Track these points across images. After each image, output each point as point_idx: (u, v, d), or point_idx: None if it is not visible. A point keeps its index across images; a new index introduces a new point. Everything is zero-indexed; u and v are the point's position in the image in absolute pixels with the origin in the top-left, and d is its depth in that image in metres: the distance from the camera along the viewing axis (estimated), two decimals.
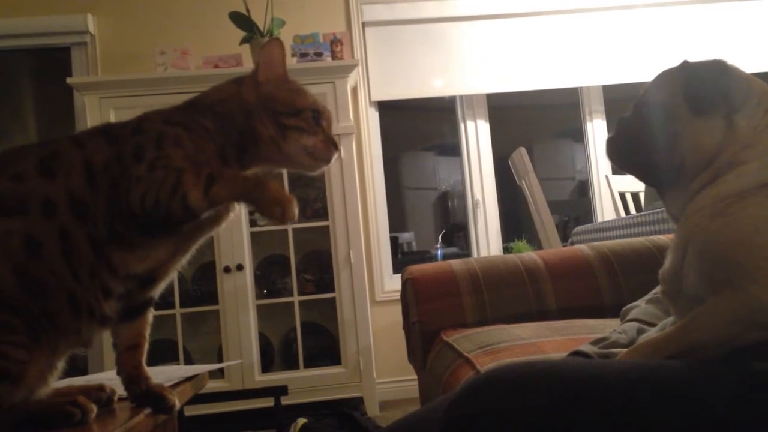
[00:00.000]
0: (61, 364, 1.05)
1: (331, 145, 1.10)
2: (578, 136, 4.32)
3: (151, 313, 1.12)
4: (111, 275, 0.99)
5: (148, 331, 1.12)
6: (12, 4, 3.62)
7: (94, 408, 0.98)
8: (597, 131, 4.15)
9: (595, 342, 1.28)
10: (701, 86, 1.02)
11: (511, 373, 0.81)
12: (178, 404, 1.09)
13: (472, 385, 0.81)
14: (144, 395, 1.08)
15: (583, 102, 4.19)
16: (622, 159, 1.17)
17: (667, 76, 1.09)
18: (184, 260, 1.10)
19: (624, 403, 0.76)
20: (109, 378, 1.42)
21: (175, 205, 0.94)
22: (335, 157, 1.11)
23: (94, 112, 3.20)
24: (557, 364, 0.86)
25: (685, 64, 1.07)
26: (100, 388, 1.11)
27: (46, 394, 1.02)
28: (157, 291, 1.11)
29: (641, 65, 3.95)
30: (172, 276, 1.11)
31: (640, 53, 3.96)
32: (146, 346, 1.11)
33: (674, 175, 1.04)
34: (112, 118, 3.21)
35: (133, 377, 1.08)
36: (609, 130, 4.16)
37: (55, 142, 1.03)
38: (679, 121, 1.02)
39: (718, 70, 1.03)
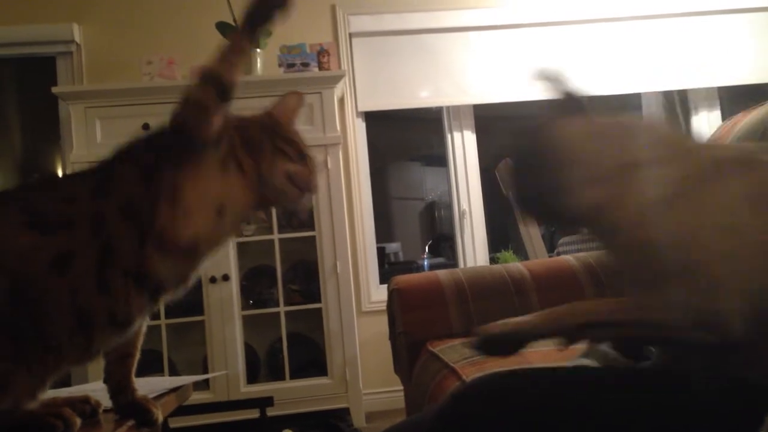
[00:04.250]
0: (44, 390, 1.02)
1: (311, 182, 1.12)
2: None
3: (146, 324, 1.12)
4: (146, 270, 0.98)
5: (140, 342, 1.12)
6: None
7: (78, 421, 0.97)
8: None
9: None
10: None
11: (493, 383, 0.82)
12: (161, 418, 1.09)
13: (456, 395, 0.81)
14: (129, 406, 1.08)
15: None
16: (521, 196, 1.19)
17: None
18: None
19: (602, 409, 0.77)
20: (93, 389, 1.40)
21: None
22: (313, 194, 1.14)
23: (80, 121, 3.19)
24: (539, 373, 0.87)
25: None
26: (85, 399, 1.10)
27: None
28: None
29: (627, 77, 3.99)
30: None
31: (625, 65, 3.99)
32: (137, 357, 1.11)
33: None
34: (98, 128, 3.20)
35: (120, 387, 1.08)
36: None
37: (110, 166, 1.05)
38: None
39: None
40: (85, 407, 1.08)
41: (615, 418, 0.76)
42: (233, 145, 1.05)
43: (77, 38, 3.65)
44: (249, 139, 1.08)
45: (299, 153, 1.12)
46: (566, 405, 0.77)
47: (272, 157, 1.09)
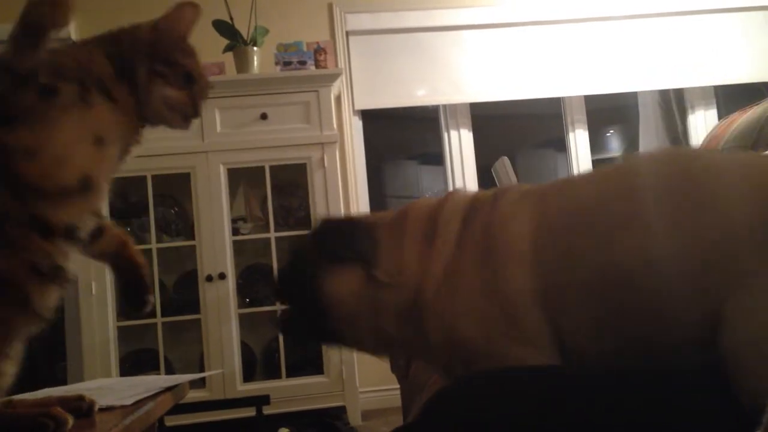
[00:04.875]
0: (19, 350, 0.98)
1: (192, 107, 1.11)
2: (561, 145, 4.35)
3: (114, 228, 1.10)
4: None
5: (128, 238, 1.11)
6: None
7: (70, 420, 0.95)
8: (579, 141, 4.18)
9: None
10: (333, 241, 1.13)
11: (479, 381, 0.83)
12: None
13: (441, 394, 0.82)
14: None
15: (566, 112, 4.22)
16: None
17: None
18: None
19: (597, 409, 0.77)
20: (88, 388, 1.40)
21: None
22: (192, 122, 1.13)
23: None
24: (526, 372, 0.88)
25: (323, 222, 1.23)
26: (80, 398, 1.09)
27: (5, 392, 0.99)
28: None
29: (623, 76, 3.99)
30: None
31: (622, 64, 4.00)
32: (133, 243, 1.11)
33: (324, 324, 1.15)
34: None
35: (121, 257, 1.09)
36: (591, 141, 4.20)
37: None
38: (315, 271, 1.12)
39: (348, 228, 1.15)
40: (81, 404, 1.07)
41: (607, 419, 0.77)
42: (96, 77, 1.02)
43: (73, 36, 3.63)
44: (122, 63, 1.06)
45: (185, 75, 1.10)
46: (557, 406, 0.78)
47: (148, 82, 1.07)
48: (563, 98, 4.16)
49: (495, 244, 0.99)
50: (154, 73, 1.08)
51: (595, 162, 4.25)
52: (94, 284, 3.10)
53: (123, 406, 1.16)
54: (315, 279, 1.10)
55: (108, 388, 1.36)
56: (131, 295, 1.09)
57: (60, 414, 0.94)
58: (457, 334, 0.99)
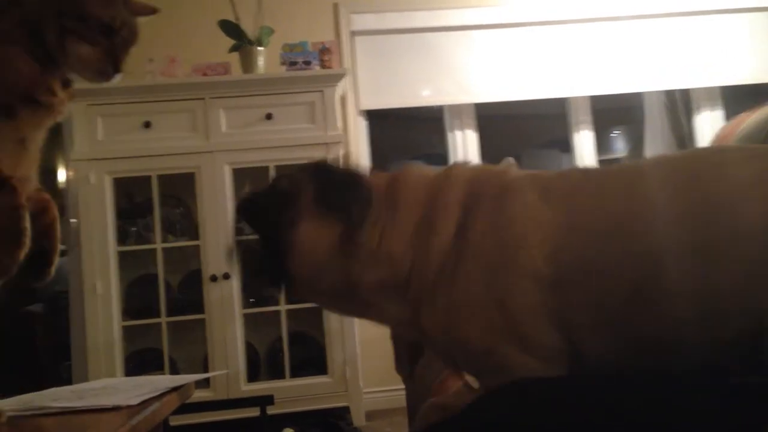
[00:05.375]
0: None
1: (110, 63, 1.07)
2: (565, 146, 4.34)
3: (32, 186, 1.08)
4: None
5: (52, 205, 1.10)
6: None
7: None
8: (584, 141, 4.17)
9: None
10: (332, 189, 1.08)
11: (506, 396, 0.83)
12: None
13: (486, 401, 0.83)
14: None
15: (571, 112, 4.21)
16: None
17: (302, 171, 1.15)
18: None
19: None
20: (94, 388, 1.40)
21: None
22: (113, 76, 1.09)
23: (81, 119, 3.17)
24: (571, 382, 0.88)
25: (323, 165, 1.15)
26: None
27: None
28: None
29: (628, 76, 3.98)
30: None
31: (628, 64, 3.99)
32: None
33: (287, 260, 1.09)
34: (99, 126, 3.19)
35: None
36: (597, 141, 4.18)
37: None
38: (300, 213, 1.08)
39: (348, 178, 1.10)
40: None
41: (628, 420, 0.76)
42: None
43: None
44: (31, 27, 1.03)
45: (102, 27, 1.05)
46: (587, 410, 0.78)
47: (59, 40, 1.04)
48: (569, 98, 4.15)
49: (502, 246, 0.96)
50: (65, 31, 1.04)
51: (600, 163, 4.24)
52: (99, 284, 3.10)
53: (129, 406, 1.15)
54: (294, 218, 1.05)
55: (114, 387, 1.36)
56: (35, 263, 1.05)
57: None
58: (457, 333, 0.98)
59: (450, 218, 1.00)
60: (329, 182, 1.07)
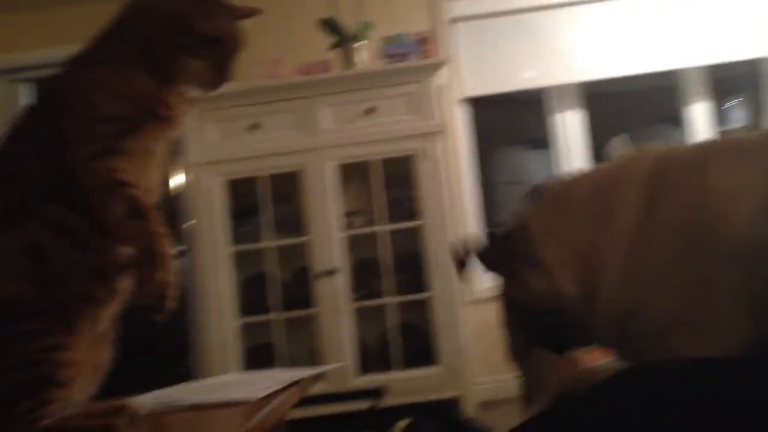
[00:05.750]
0: (109, 328, 1.07)
1: (219, 74, 1.11)
2: (677, 120, 4.15)
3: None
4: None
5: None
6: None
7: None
8: (699, 115, 3.97)
9: None
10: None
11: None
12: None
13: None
14: None
15: (683, 85, 4.01)
16: None
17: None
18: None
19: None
20: (219, 383, 1.45)
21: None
22: (220, 86, 1.12)
23: (194, 125, 3.27)
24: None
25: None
26: (125, 405, 1.08)
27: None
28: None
29: (748, 41, 3.74)
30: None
31: (746, 28, 3.75)
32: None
33: None
34: (211, 131, 3.29)
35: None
36: (714, 113, 3.97)
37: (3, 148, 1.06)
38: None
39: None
40: (126, 412, 1.07)
41: None
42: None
43: None
44: (144, 47, 1.07)
45: (209, 41, 1.08)
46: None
47: (171, 58, 1.08)
48: (680, 70, 3.94)
49: (701, 223, 0.89)
50: (176, 48, 1.08)
51: (720, 135, 4.01)
52: (215, 283, 3.23)
53: (256, 399, 1.18)
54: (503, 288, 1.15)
55: (238, 382, 1.40)
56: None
57: (117, 426, 0.95)
58: (641, 310, 0.91)
59: (629, 207, 0.95)
60: (489, 258, 1.17)
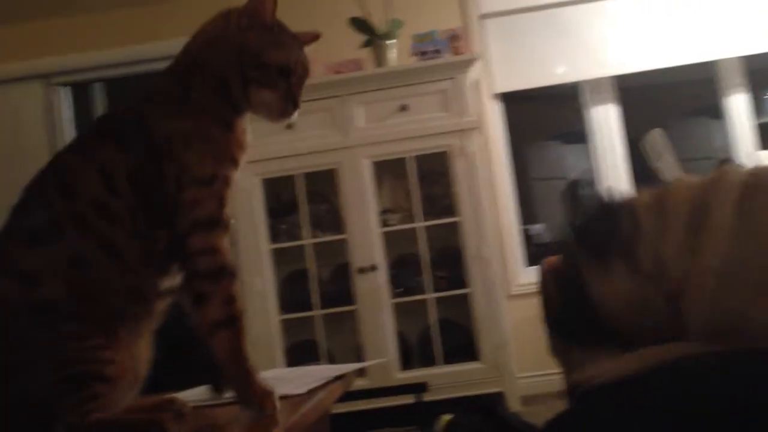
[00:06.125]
0: (149, 340, 1.10)
1: (290, 102, 1.13)
2: (715, 113, 4.07)
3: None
4: (163, 258, 1.06)
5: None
6: (149, 29, 3.84)
7: (173, 427, 0.96)
8: (738, 106, 3.89)
9: None
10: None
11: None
12: (278, 412, 1.05)
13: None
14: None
15: (721, 76, 3.94)
16: None
17: None
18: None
19: None
20: (263, 378, 1.47)
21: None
22: (294, 114, 1.15)
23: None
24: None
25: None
26: (171, 400, 1.12)
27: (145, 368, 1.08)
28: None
29: None
30: None
31: None
32: (243, 325, 1.09)
33: None
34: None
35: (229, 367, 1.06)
36: (753, 104, 3.89)
37: (63, 159, 1.08)
38: None
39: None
40: (172, 407, 1.10)
41: None
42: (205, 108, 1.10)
43: None
44: (217, 82, 1.11)
45: (280, 71, 1.11)
46: None
47: (243, 91, 1.11)
48: (717, 61, 3.88)
49: None
50: (248, 81, 1.11)
51: (758, 127, 3.92)
52: (257, 280, 3.27)
53: (298, 395, 1.21)
54: (582, 279, 1.01)
55: (281, 378, 1.42)
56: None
57: (165, 421, 0.96)
58: (728, 305, 0.90)
59: (722, 217, 0.94)
60: (593, 230, 1.03)
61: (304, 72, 1.16)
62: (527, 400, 3.27)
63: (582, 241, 1.02)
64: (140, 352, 1.07)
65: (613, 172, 3.87)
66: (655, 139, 3.18)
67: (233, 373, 1.04)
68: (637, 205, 1.00)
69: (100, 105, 4.02)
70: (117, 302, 1.02)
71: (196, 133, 1.08)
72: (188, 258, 1.05)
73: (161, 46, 3.84)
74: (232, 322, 1.05)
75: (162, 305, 1.10)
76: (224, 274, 1.06)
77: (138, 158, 1.05)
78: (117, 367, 0.98)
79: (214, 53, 1.13)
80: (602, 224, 1.01)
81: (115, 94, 4.03)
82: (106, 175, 1.04)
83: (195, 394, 1.34)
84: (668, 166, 3.12)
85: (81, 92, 4.03)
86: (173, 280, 1.08)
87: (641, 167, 3.60)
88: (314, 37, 1.22)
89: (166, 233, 1.05)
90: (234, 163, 1.11)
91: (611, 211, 1.02)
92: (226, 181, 1.09)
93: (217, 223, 1.07)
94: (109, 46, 3.87)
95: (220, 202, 1.08)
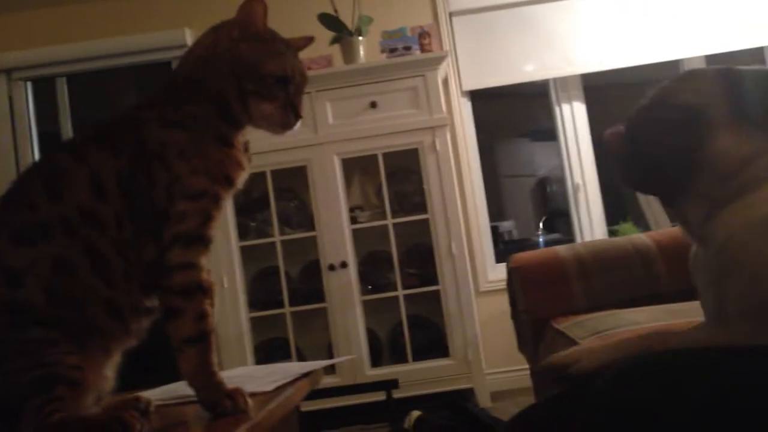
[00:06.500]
0: (117, 360, 1.09)
1: (291, 112, 1.11)
2: None
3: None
4: (148, 272, 1.04)
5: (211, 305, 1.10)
6: (114, 25, 3.80)
7: (138, 425, 0.95)
8: None
9: None
10: (751, 95, 0.96)
11: (663, 365, 0.78)
12: (250, 407, 1.05)
13: (623, 374, 0.78)
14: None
15: None
16: (633, 160, 1.09)
17: (703, 79, 1.03)
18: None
19: None
20: (230, 376, 1.46)
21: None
22: (296, 124, 1.12)
23: None
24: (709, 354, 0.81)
25: (731, 71, 1.01)
26: (136, 399, 1.12)
27: (110, 395, 1.07)
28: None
29: (747, 31, 3.73)
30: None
31: (744, 18, 3.74)
32: (213, 340, 1.07)
33: (690, 184, 0.99)
34: None
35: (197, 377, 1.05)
36: None
37: (55, 159, 1.07)
38: (714, 127, 0.97)
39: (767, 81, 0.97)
40: (138, 405, 1.10)
41: None
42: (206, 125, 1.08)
43: (189, 42, 3.80)
44: (215, 96, 1.09)
45: (278, 81, 1.09)
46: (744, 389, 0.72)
47: (242, 105, 1.09)
48: (682, 60, 3.94)
49: None
50: (246, 94, 1.09)
51: None
52: (226, 278, 3.25)
53: (265, 392, 1.20)
54: (703, 136, 0.96)
55: (249, 375, 1.42)
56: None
57: (128, 418, 0.95)
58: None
59: None
60: (752, 93, 0.96)
61: (302, 79, 1.14)
62: (496, 396, 3.30)
63: (735, 100, 0.97)
64: (108, 369, 1.06)
65: (581, 170, 3.91)
66: (614, 135, 3.22)
67: (199, 385, 1.04)
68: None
69: (62, 100, 3.95)
70: (95, 315, 1.01)
71: (191, 146, 1.06)
72: (165, 272, 1.03)
73: (125, 41, 3.80)
74: (202, 338, 1.04)
75: (144, 323, 1.09)
76: (199, 290, 1.05)
77: (130, 163, 1.04)
78: (83, 375, 0.97)
79: (208, 69, 1.10)
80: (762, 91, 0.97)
81: (78, 90, 3.97)
82: (97, 181, 1.02)
83: (161, 392, 1.32)
84: None
85: (43, 87, 3.97)
86: (156, 299, 1.07)
87: (609, 164, 3.64)
88: (307, 41, 1.21)
89: (151, 247, 1.04)
90: (228, 181, 1.09)
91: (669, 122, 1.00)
92: (216, 199, 1.07)
93: (199, 239, 1.06)
94: (72, 40, 3.82)
95: (206, 218, 1.06)
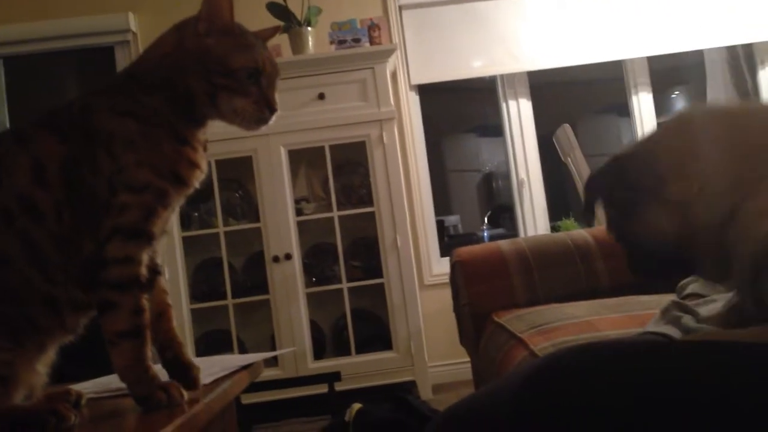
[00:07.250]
0: (52, 355, 1.06)
1: (265, 106, 1.07)
2: (623, 110, 4.24)
3: (163, 281, 1.13)
4: (87, 266, 1.00)
5: (167, 298, 1.12)
6: (54, 6, 3.68)
7: (73, 416, 0.94)
8: (643, 105, 4.06)
9: (664, 319, 1.23)
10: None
11: (578, 361, 0.77)
12: (201, 380, 1.09)
13: (537, 371, 0.77)
14: (173, 361, 1.09)
15: (628, 75, 4.10)
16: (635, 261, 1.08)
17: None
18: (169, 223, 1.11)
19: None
20: (108, 382, 1.43)
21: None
22: (271, 118, 1.08)
23: None
24: (635, 348, 0.81)
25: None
26: (67, 392, 1.09)
27: (43, 390, 1.04)
28: (157, 258, 1.11)
29: (688, 34, 3.84)
30: (163, 241, 1.11)
31: (686, 21, 3.84)
32: (173, 313, 1.13)
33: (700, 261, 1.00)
34: None
35: (164, 344, 1.10)
36: (656, 103, 4.06)
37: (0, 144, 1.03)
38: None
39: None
40: (69, 398, 1.07)
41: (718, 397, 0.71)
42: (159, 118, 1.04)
43: (133, 27, 3.71)
44: (180, 94, 1.05)
45: (249, 74, 1.05)
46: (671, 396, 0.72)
47: (211, 101, 1.06)
48: (624, 61, 4.03)
49: None
50: (216, 89, 1.05)
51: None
52: (167, 269, 3.19)
53: (202, 385, 1.18)
54: (630, 224, 1.00)
55: None
56: (178, 373, 1.10)
57: (63, 410, 0.93)
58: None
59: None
60: (611, 189, 1.03)
61: (274, 70, 1.09)
62: (437, 389, 3.33)
63: (606, 200, 1.00)
64: (41, 365, 1.02)
65: (526, 166, 3.97)
66: (565, 134, 3.27)
67: (131, 379, 1.01)
68: (655, 144, 1.00)
69: None
70: (29, 310, 0.97)
71: (141, 138, 1.01)
72: (102, 264, 0.99)
73: (66, 23, 3.69)
74: (138, 333, 1.00)
75: (82, 320, 1.05)
76: (135, 285, 1.01)
77: (75, 149, 1.00)
78: (13, 370, 0.94)
79: (173, 66, 1.06)
80: (616, 182, 1.00)
81: (17, 74, 3.84)
82: (39, 167, 0.98)
83: (93, 386, 1.29)
84: (577, 161, 3.22)
85: None
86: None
87: (553, 161, 3.70)
88: (274, 31, 1.17)
89: (91, 240, 1.00)
90: (177, 180, 1.04)
91: (619, 169, 1.01)
92: (161, 195, 1.03)
93: (140, 234, 1.01)
94: (10, 21, 3.68)
95: (148, 213, 1.01)
